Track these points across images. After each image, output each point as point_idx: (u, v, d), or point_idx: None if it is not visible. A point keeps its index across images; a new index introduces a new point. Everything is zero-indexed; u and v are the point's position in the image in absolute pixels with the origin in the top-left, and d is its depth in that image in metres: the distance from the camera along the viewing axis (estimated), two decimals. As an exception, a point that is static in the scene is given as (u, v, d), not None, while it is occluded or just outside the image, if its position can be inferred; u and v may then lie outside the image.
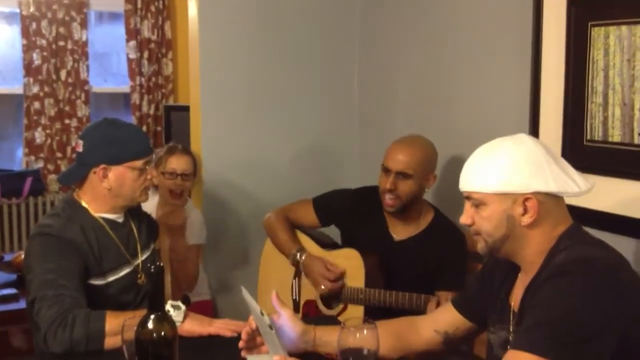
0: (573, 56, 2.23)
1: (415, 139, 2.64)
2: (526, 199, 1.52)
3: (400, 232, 2.65)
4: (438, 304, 2.35)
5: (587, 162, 2.12)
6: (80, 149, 2.09)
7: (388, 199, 2.56)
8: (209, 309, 3.17)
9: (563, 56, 2.26)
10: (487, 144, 1.62)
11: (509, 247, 1.59)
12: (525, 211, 1.53)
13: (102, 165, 2.06)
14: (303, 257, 2.65)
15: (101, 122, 2.14)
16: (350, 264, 2.59)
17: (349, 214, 2.72)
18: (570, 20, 2.24)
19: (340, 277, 2.58)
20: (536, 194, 1.52)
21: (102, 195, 2.10)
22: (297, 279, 2.73)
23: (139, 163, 2.10)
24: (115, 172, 2.08)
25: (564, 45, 2.26)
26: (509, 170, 1.52)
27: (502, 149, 1.56)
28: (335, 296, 2.63)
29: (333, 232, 2.86)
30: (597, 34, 2.15)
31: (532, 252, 1.57)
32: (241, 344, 1.79)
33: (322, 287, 2.58)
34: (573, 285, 1.42)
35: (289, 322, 1.78)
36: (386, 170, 2.56)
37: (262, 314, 1.66)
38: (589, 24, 2.17)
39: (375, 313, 2.38)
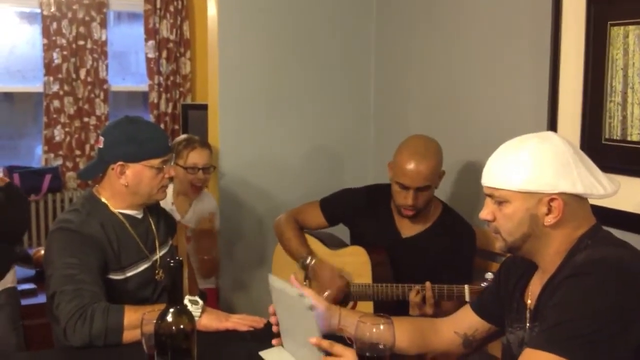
0: (592, 55, 2.22)
1: (424, 145, 2.55)
2: (552, 199, 1.49)
3: (408, 228, 2.65)
4: (418, 293, 2.36)
5: (605, 162, 2.08)
6: (101, 145, 2.12)
7: (408, 211, 2.53)
8: (213, 297, 3.19)
9: (582, 55, 2.25)
10: (512, 140, 1.58)
11: (529, 246, 1.56)
12: (550, 211, 1.50)
13: (120, 162, 2.08)
14: (312, 262, 2.65)
15: (122, 119, 2.16)
16: (357, 261, 2.60)
17: (356, 212, 2.72)
18: (589, 19, 2.23)
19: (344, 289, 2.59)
20: (562, 194, 1.49)
21: (120, 192, 2.12)
22: (308, 280, 2.74)
23: (156, 162, 2.11)
24: (133, 170, 2.09)
25: (583, 44, 2.25)
26: (536, 169, 1.49)
27: (529, 146, 1.52)
28: (344, 297, 2.64)
29: (342, 232, 2.87)
30: (617, 33, 2.15)
31: (552, 252, 1.54)
32: (275, 328, 1.80)
33: (327, 293, 2.57)
34: (593, 285, 1.41)
35: (313, 299, 1.78)
36: (404, 187, 2.50)
37: (301, 295, 1.64)
38: (608, 23, 2.17)
39: (384, 309, 2.38)
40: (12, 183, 3.17)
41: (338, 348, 1.54)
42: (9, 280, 3.21)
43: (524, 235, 1.54)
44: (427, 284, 2.38)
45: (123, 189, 2.11)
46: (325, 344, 1.54)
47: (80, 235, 2.01)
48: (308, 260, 2.65)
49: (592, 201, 1.56)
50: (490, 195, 1.57)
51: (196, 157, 3.00)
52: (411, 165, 2.47)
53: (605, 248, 1.49)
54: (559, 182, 1.48)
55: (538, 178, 1.48)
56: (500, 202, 1.54)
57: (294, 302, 1.67)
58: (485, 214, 1.58)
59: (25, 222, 3.30)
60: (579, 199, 1.52)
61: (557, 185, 1.48)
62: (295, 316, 1.72)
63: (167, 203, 2.98)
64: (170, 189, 3.04)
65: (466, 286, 2.33)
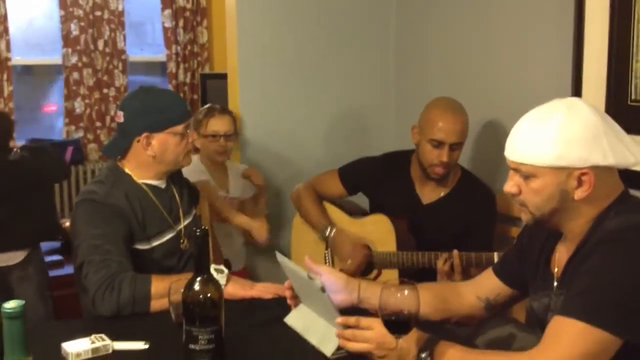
0: (617, 13, 2.18)
1: (454, 103, 2.58)
2: (583, 174, 1.45)
3: (428, 194, 2.64)
4: (445, 261, 2.36)
5: (631, 124, 2.05)
6: (121, 120, 2.11)
7: (440, 168, 2.52)
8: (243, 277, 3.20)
9: (607, 13, 2.21)
10: (536, 109, 1.51)
11: (557, 220, 1.53)
12: (580, 185, 1.46)
13: (145, 134, 2.09)
14: (332, 234, 2.66)
15: (138, 91, 2.16)
16: (380, 229, 2.60)
17: (375, 180, 2.72)
18: (615, -22, 2.18)
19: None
20: (594, 167, 1.44)
21: (146, 163, 2.13)
22: (329, 249, 2.75)
23: (179, 128, 2.12)
24: (159, 139, 2.10)
25: (608, 4, 2.20)
26: (565, 143, 1.43)
27: (557, 119, 1.45)
28: (367, 266, 2.64)
29: (361, 200, 2.86)
30: (643, -9, 2.10)
31: (580, 223, 1.51)
32: (290, 301, 1.83)
33: (349, 262, 2.58)
34: (623, 252, 1.38)
35: (330, 277, 1.79)
36: (438, 143, 2.48)
37: (310, 277, 1.67)
38: (634, -19, 2.12)
39: (409, 276, 2.39)
40: (26, 145, 3.35)
41: (365, 321, 1.54)
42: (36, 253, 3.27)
43: (552, 210, 1.50)
44: (455, 252, 2.37)
45: (150, 160, 2.12)
46: (352, 321, 1.55)
47: (105, 206, 2.03)
48: (328, 231, 2.66)
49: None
50: (515, 169, 1.52)
51: (216, 124, 2.98)
52: (447, 120, 2.48)
53: (635, 215, 1.46)
54: (590, 155, 1.43)
55: (568, 153, 1.43)
56: (527, 177, 1.49)
57: (306, 283, 1.69)
58: (510, 186, 1.54)
59: (57, 163, 3.41)
60: (610, 169, 1.47)
61: (589, 158, 1.43)
62: (310, 294, 1.74)
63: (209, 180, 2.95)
64: (196, 167, 3.01)
65: (495, 253, 2.32)
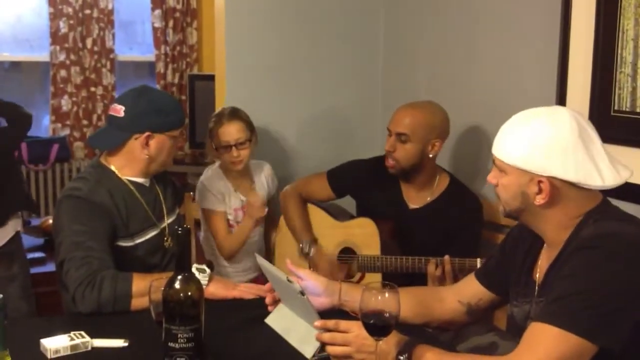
0: (602, 25, 2.19)
1: (422, 103, 2.63)
2: (540, 181, 1.48)
3: (414, 199, 2.65)
4: (437, 267, 2.38)
5: (614, 133, 2.09)
6: (120, 115, 2.09)
7: (388, 160, 2.58)
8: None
9: (592, 25, 2.22)
10: (527, 111, 1.56)
11: (525, 219, 1.58)
12: (540, 191, 1.49)
13: (147, 133, 2.09)
14: (312, 253, 2.65)
15: (141, 89, 2.16)
16: (365, 232, 2.60)
17: (363, 183, 2.72)
18: (600, -11, 2.20)
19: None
20: (551, 178, 1.47)
21: (137, 161, 2.13)
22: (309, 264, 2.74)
23: (177, 132, 2.15)
24: (157, 140, 2.11)
25: (594, 14, 2.22)
26: (531, 147, 1.48)
27: (534, 123, 1.50)
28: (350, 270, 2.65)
29: (348, 204, 2.87)
30: (628, 3, 2.12)
31: (552, 229, 1.54)
32: (270, 307, 1.83)
33: None
34: (601, 258, 1.40)
35: (311, 279, 1.81)
36: (389, 131, 2.59)
37: (289, 281, 1.67)
38: (620, -8, 2.14)
39: (393, 280, 2.38)
40: None
41: (344, 324, 1.55)
42: (19, 248, 3.23)
43: (517, 209, 1.56)
44: (446, 257, 2.39)
45: (143, 159, 2.12)
46: (331, 324, 1.56)
47: (88, 202, 2.02)
48: (307, 249, 2.66)
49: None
50: (494, 162, 1.58)
51: (226, 133, 2.76)
52: (399, 111, 2.59)
53: (614, 222, 1.48)
54: (549, 165, 1.47)
55: (531, 157, 1.48)
56: (501, 171, 1.56)
57: (285, 285, 1.70)
58: (490, 177, 1.60)
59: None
60: (575, 185, 1.49)
61: (547, 168, 1.47)
62: (289, 296, 1.74)
63: (232, 193, 2.86)
64: (221, 179, 2.89)
65: (478, 259, 2.33)
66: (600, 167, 1.48)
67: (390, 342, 1.49)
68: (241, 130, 2.78)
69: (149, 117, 2.09)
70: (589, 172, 1.47)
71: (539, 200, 1.50)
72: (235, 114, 2.83)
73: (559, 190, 1.49)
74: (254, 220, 2.73)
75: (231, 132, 2.76)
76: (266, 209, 2.77)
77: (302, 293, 1.61)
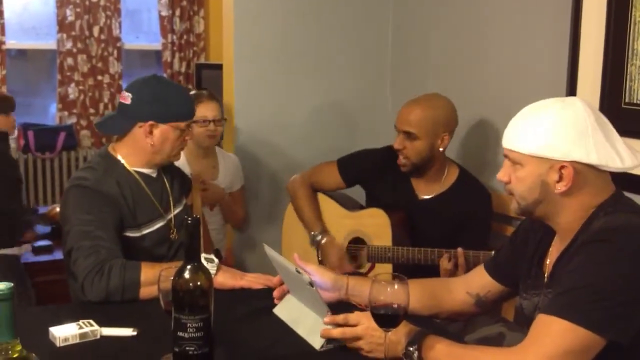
0: (614, 17, 2.18)
1: (427, 97, 2.61)
2: (562, 167, 1.47)
3: (424, 190, 2.64)
4: (449, 260, 2.37)
5: (625, 126, 2.05)
6: (127, 102, 2.10)
7: (400, 158, 2.58)
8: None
9: (604, 16, 2.21)
10: (536, 102, 1.55)
11: (541, 211, 1.55)
12: (561, 179, 1.48)
13: (151, 122, 2.09)
14: (323, 242, 2.66)
15: (151, 78, 2.15)
16: (376, 223, 2.60)
17: (374, 173, 2.71)
18: (612, -20, 2.18)
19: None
20: (574, 163, 1.46)
21: (142, 150, 2.13)
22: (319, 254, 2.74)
23: (182, 124, 2.14)
24: (161, 130, 2.10)
25: (605, 6, 2.21)
26: (550, 134, 1.46)
27: (549, 111, 1.48)
28: (362, 258, 2.65)
29: (357, 193, 2.86)
30: (640, -6, 2.10)
31: (567, 220, 1.53)
32: (277, 301, 1.83)
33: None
34: (611, 251, 1.39)
35: (318, 274, 1.81)
36: (396, 129, 2.58)
37: (298, 272, 1.67)
38: (632, -16, 2.12)
39: (403, 271, 2.38)
40: None
41: (353, 317, 1.55)
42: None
43: (535, 201, 1.53)
44: (459, 250, 2.38)
45: (146, 148, 2.11)
46: (340, 318, 1.56)
47: (96, 192, 2.02)
48: (319, 239, 2.66)
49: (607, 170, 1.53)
50: (507, 157, 1.56)
51: (205, 109, 2.97)
52: (404, 108, 2.57)
53: (625, 216, 1.46)
54: (572, 150, 1.45)
55: (551, 144, 1.46)
56: (515, 164, 1.53)
57: (294, 277, 1.70)
58: (501, 174, 1.57)
59: None
60: (594, 169, 1.48)
61: (570, 153, 1.45)
62: (298, 287, 1.74)
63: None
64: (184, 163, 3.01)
65: (493, 252, 2.32)
66: (618, 148, 1.48)
67: (400, 333, 1.49)
68: (218, 109, 3.05)
69: (152, 106, 2.08)
70: (609, 153, 1.46)
71: (561, 187, 1.48)
72: (214, 95, 3.10)
73: (580, 175, 1.47)
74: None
75: (212, 108, 3.01)
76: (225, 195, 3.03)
77: (312, 284, 1.61)
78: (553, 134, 1.46)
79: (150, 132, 2.09)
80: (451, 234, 2.54)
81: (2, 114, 3.52)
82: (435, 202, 2.62)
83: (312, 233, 2.69)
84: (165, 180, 2.25)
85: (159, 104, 2.09)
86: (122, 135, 2.14)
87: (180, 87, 2.33)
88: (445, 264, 2.39)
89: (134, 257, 1.99)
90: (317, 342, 1.61)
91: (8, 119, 3.57)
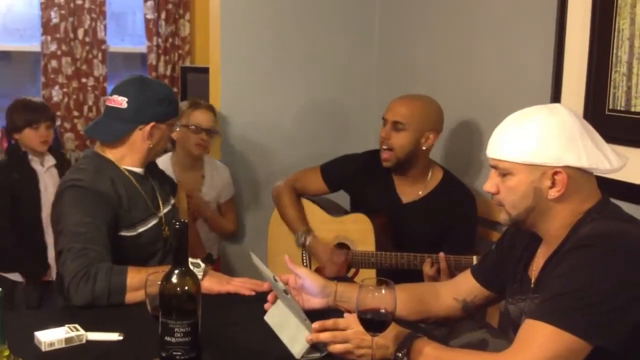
0: (598, 24, 2.20)
1: (420, 96, 2.67)
2: (555, 173, 1.47)
3: (407, 194, 2.65)
4: (432, 265, 2.38)
5: (608, 133, 2.06)
6: (123, 106, 2.07)
7: (383, 151, 2.58)
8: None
9: (588, 24, 2.23)
10: (520, 111, 1.55)
11: (532, 220, 1.55)
12: (553, 185, 1.48)
13: (153, 123, 2.08)
14: (308, 241, 2.66)
15: (141, 80, 2.14)
16: (359, 228, 2.60)
17: (357, 178, 2.72)
18: (596, -12, 2.21)
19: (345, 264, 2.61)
20: (567, 168, 1.47)
21: (139, 151, 2.12)
22: (307, 256, 2.75)
23: (174, 121, 2.18)
24: (161, 130, 2.12)
25: (590, 13, 2.23)
26: (540, 141, 1.47)
27: (535, 119, 1.49)
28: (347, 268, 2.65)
29: (341, 198, 2.87)
30: (624, 2, 2.13)
31: (556, 226, 1.53)
32: (267, 306, 1.83)
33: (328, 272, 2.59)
34: (598, 257, 1.40)
35: (308, 279, 1.81)
36: (384, 121, 2.60)
37: (275, 280, 1.68)
38: (616, -8, 2.14)
39: (386, 276, 2.38)
40: None
41: (342, 322, 1.56)
42: None
43: (527, 209, 1.53)
44: (441, 254, 2.38)
45: (144, 149, 2.11)
46: (329, 323, 1.56)
47: (92, 191, 2.00)
48: (303, 239, 2.66)
49: (598, 174, 1.55)
50: (494, 167, 1.55)
51: (201, 117, 2.97)
52: (396, 101, 2.62)
53: (612, 222, 1.48)
54: (563, 155, 1.46)
55: (542, 150, 1.46)
56: (504, 174, 1.52)
57: (272, 285, 1.70)
58: (489, 186, 1.57)
59: None
60: (584, 173, 1.50)
61: (562, 158, 1.46)
62: (280, 295, 1.74)
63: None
64: (167, 159, 3.00)
65: (474, 256, 2.33)
66: (605, 151, 1.50)
67: (388, 336, 1.50)
68: (213, 120, 3.04)
69: (154, 108, 2.08)
70: (598, 156, 1.48)
71: (554, 193, 1.49)
72: (211, 107, 3.10)
73: (572, 179, 1.48)
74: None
75: (207, 118, 3.00)
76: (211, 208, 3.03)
77: (286, 292, 1.62)
78: (543, 141, 1.47)
79: (151, 134, 2.09)
80: (436, 237, 2.55)
81: None
82: (418, 205, 2.62)
83: (297, 233, 2.69)
84: (152, 180, 2.24)
85: (160, 105, 2.09)
86: (115, 139, 2.12)
87: (165, 84, 2.36)
88: (427, 269, 2.39)
89: (131, 255, 2.01)
90: (297, 351, 1.60)
91: None
